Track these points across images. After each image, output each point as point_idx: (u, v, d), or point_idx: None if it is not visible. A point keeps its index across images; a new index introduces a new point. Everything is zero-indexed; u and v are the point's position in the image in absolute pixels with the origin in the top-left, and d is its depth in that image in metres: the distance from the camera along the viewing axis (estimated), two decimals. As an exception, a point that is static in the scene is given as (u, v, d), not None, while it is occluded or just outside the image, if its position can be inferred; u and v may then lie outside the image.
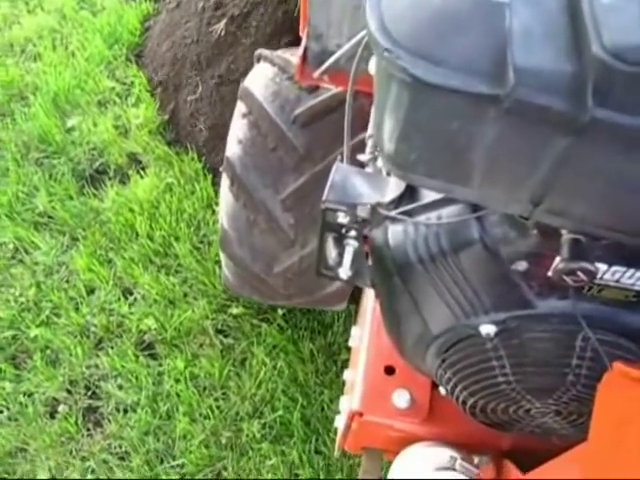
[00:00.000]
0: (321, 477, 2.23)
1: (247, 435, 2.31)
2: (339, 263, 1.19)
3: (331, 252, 1.19)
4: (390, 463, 1.48)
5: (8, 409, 2.39)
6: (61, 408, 2.39)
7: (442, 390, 1.31)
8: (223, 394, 2.39)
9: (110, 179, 2.88)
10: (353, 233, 1.15)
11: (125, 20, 3.34)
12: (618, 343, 1.04)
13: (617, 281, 0.96)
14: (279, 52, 2.09)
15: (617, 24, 0.69)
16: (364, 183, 1.14)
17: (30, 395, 2.41)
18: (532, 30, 0.73)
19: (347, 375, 1.68)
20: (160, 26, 3.31)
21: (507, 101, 0.72)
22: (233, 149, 2.02)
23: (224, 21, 2.88)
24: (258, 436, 2.31)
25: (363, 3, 0.79)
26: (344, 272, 1.19)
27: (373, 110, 1.38)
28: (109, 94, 3.13)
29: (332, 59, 1.50)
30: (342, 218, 1.12)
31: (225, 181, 2.05)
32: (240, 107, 2.05)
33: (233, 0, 2.88)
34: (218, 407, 2.36)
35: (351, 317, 2.46)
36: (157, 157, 2.93)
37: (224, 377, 2.40)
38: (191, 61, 2.98)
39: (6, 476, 2.28)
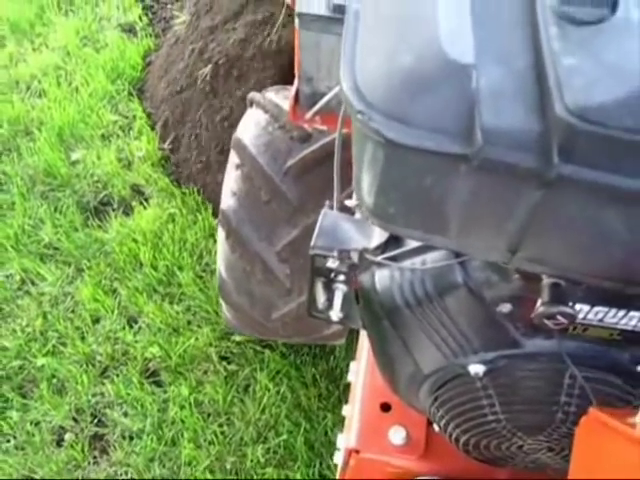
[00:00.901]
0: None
1: (251, 460, 2.34)
2: (329, 306, 1.22)
3: (321, 296, 1.23)
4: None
5: (15, 438, 2.42)
6: (67, 436, 2.42)
7: (436, 427, 1.33)
8: (227, 420, 2.42)
9: (114, 210, 2.94)
10: (342, 277, 1.18)
11: (127, 56, 3.42)
12: (605, 380, 1.06)
13: (600, 320, 0.98)
14: (271, 95, 2.10)
15: (578, 85, 0.71)
16: (351, 229, 1.17)
17: (37, 424, 2.45)
18: (499, 90, 0.75)
19: (346, 410, 1.68)
20: (160, 61, 3.40)
21: (476, 159, 0.75)
22: (228, 202, 2.04)
23: (209, 66, 2.96)
24: (262, 461, 2.34)
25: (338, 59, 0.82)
26: (335, 315, 1.22)
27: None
28: (112, 128, 3.20)
29: (323, 101, 1.53)
30: (331, 263, 1.15)
31: (221, 233, 2.09)
32: (233, 158, 2.06)
33: (218, 46, 2.96)
34: (222, 433, 2.39)
35: (353, 341, 2.50)
36: (159, 189, 2.99)
37: (228, 403, 2.44)
38: (186, 98, 3.06)
39: (14, 505, 2.31)
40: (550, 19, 0.75)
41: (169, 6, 3.60)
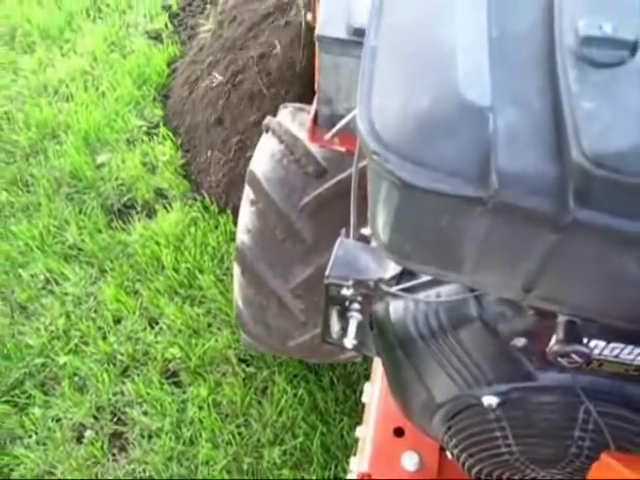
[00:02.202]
0: (340, 503, 2.28)
1: (268, 461, 2.36)
2: (344, 334, 1.23)
3: (335, 324, 1.23)
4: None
5: (36, 433, 2.46)
6: (88, 433, 2.46)
7: (449, 454, 1.32)
8: (245, 421, 2.45)
9: (137, 213, 2.99)
10: (356, 306, 1.19)
11: (153, 62, 3.49)
12: (620, 415, 1.05)
13: (616, 357, 0.97)
14: (287, 121, 2.07)
15: (596, 130, 0.70)
16: (366, 258, 1.18)
17: (58, 420, 2.49)
18: (516, 133, 0.74)
19: (360, 432, 1.67)
20: (184, 69, 3.46)
21: (491, 203, 0.74)
22: (243, 238, 2.05)
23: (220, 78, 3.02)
24: (279, 462, 2.36)
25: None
26: (349, 342, 1.23)
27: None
28: (137, 132, 3.26)
29: (341, 123, 1.52)
30: (345, 291, 1.16)
31: (237, 268, 2.11)
32: (248, 193, 2.05)
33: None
34: (240, 434, 2.42)
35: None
36: (182, 193, 3.04)
37: (246, 405, 2.47)
38: (205, 107, 3.11)
39: (34, 499, 2.35)
40: (569, 61, 0.75)
41: (196, 14, 3.66)
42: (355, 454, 1.64)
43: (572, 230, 0.74)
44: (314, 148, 1.94)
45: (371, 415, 1.57)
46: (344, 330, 1.24)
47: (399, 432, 1.51)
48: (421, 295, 1.08)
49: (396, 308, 1.12)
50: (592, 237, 0.74)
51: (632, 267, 0.78)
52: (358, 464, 1.52)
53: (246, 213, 2.04)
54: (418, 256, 0.90)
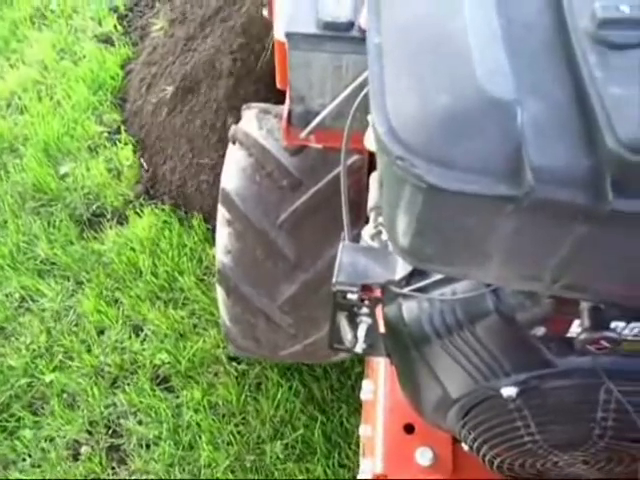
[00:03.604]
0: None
1: (271, 457, 2.35)
2: (353, 339, 1.22)
3: (345, 330, 1.22)
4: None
5: (30, 456, 2.42)
6: (84, 449, 2.42)
7: (466, 447, 1.32)
8: (243, 419, 2.43)
9: (108, 221, 2.93)
10: (365, 310, 1.18)
11: (106, 66, 3.40)
12: None
13: (636, 335, 0.97)
14: (254, 131, 1.97)
15: (629, 116, 0.68)
16: (372, 261, 1.16)
17: (51, 440, 2.44)
18: (544, 126, 0.72)
19: (363, 431, 1.65)
20: (138, 70, 3.39)
21: (526, 200, 0.72)
22: (223, 260, 1.99)
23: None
24: (282, 456, 2.35)
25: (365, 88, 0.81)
26: (359, 347, 1.23)
27: (372, 184, 1.38)
28: (98, 139, 3.18)
29: (317, 119, 1.51)
30: (352, 296, 1.15)
31: (220, 290, 2.06)
32: (223, 213, 1.98)
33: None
34: (239, 432, 2.40)
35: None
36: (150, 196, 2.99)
37: (242, 402, 2.45)
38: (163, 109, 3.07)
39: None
40: (587, 45, 0.73)
41: (145, 14, 3.59)
42: (364, 454, 1.63)
43: (611, 219, 0.72)
44: (285, 159, 1.90)
45: (378, 415, 1.55)
46: (354, 335, 1.23)
47: (409, 429, 1.51)
48: (435, 294, 1.07)
49: (409, 308, 1.11)
50: (631, 225, 0.74)
51: None
52: (371, 466, 1.51)
53: (224, 234, 1.99)
54: (441, 259, 0.89)
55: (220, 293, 2.09)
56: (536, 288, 0.90)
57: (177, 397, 2.48)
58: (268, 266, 1.96)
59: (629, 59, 0.72)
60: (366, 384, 1.66)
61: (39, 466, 2.39)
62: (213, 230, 2.74)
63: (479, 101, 0.73)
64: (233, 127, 2.04)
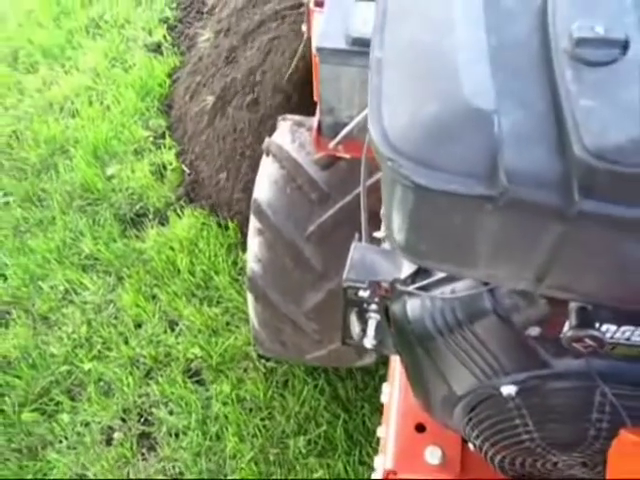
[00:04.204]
0: (367, 487, 2.34)
1: (293, 451, 2.43)
2: (363, 335, 1.28)
3: (354, 325, 1.28)
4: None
5: (67, 438, 2.53)
6: (116, 435, 2.53)
7: (471, 446, 1.36)
8: (269, 414, 2.52)
9: (150, 221, 3.07)
10: (374, 307, 1.23)
11: (154, 74, 3.57)
12: (637, 396, 1.08)
13: (628, 339, 1.01)
14: (287, 142, 2.06)
15: (595, 126, 0.75)
16: (381, 260, 1.22)
17: (87, 425, 2.56)
18: (521, 133, 0.79)
19: (381, 432, 1.69)
20: (184, 79, 3.54)
21: (501, 200, 0.79)
22: (254, 267, 2.09)
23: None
24: (304, 451, 2.43)
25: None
26: (369, 342, 1.28)
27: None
28: (144, 143, 3.33)
29: (345, 130, 1.57)
30: (363, 293, 1.21)
31: (250, 296, 2.17)
32: (254, 222, 2.06)
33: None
34: (265, 426, 2.49)
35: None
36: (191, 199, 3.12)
37: (269, 398, 2.54)
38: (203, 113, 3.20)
39: (69, 501, 2.42)
40: (565, 62, 0.79)
41: (193, 25, 3.74)
42: (378, 453, 1.67)
43: (578, 220, 0.78)
44: (315, 173, 1.98)
45: (392, 414, 1.60)
46: (363, 331, 1.28)
47: (420, 428, 1.54)
48: (436, 292, 1.12)
49: (413, 306, 1.15)
50: (597, 226, 0.79)
51: (634, 252, 0.82)
52: (382, 461, 1.55)
53: (255, 243, 2.08)
54: (434, 255, 0.94)
55: (250, 298, 2.19)
56: (524, 287, 0.94)
57: (207, 390, 2.59)
58: (296, 275, 2.03)
59: (601, 75, 0.79)
60: (385, 387, 1.71)
61: (74, 448, 2.51)
62: (246, 235, 2.85)
63: (462, 111, 0.81)
64: (267, 139, 2.12)
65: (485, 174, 0.79)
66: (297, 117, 2.16)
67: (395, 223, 0.91)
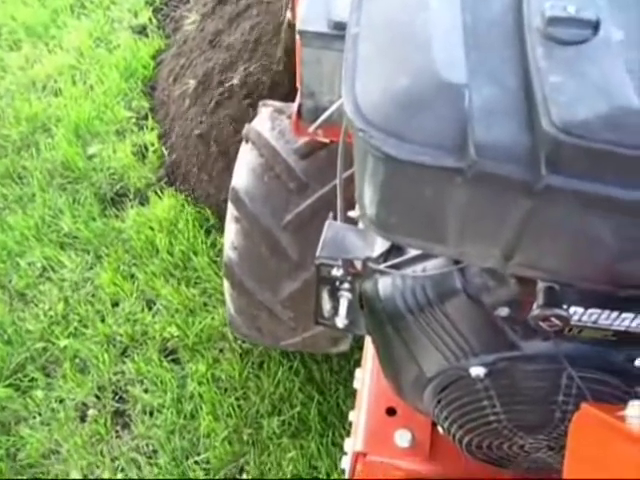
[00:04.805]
0: (339, 467, 2.36)
1: (267, 431, 2.45)
2: (335, 313, 1.28)
3: (327, 304, 1.28)
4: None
5: (40, 415, 2.53)
6: (91, 412, 2.53)
7: (440, 429, 1.36)
8: (243, 394, 2.53)
9: (130, 201, 3.06)
10: (347, 285, 1.24)
11: (139, 55, 3.56)
12: (603, 380, 1.09)
13: (595, 322, 1.01)
14: (267, 131, 2.04)
15: (563, 101, 0.76)
16: (354, 239, 1.21)
17: (61, 401, 2.56)
18: (491, 107, 0.80)
19: (353, 416, 1.70)
20: (169, 61, 3.53)
21: (470, 172, 0.79)
22: (230, 255, 2.09)
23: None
24: (278, 432, 2.45)
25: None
26: (340, 321, 1.28)
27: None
28: (126, 123, 3.33)
29: (325, 115, 1.54)
30: (335, 271, 1.21)
31: (227, 284, 2.17)
32: (231, 210, 2.06)
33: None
34: (239, 406, 2.50)
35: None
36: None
37: (244, 378, 2.55)
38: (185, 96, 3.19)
39: (41, 476, 2.42)
40: (537, 40, 0.81)
41: (179, 7, 3.73)
42: (349, 436, 1.68)
43: (545, 195, 0.79)
44: (294, 162, 1.97)
45: (363, 397, 1.61)
46: (335, 310, 1.28)
47: (391, 412, 1.56)
48: (408, 270, 1.12)
49: (385, 285, 1.15)
50: (563, 201, 0.80)
51: (602, 230, 0.83)
52: (353, 444, 1.57)
53: (231, 230, 2.07)
54: (404, 229, 0.95)
55: (226, 285, 2.19)
56: (493, 265, 0.95)
57: (182, 369, 2.59)
58: (272, 264, 2.04)
59: (571, 53, 0.80)
60: (358, 373, 1.72)
61: (48, 424, 2.51)
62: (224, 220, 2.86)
63: (433, 84, 0.82)
64: (247, 126, 2.11)
65: (454, 146, 0.80)
66: (278, 103, 2.15)
67: (366, 196, 0.92)
